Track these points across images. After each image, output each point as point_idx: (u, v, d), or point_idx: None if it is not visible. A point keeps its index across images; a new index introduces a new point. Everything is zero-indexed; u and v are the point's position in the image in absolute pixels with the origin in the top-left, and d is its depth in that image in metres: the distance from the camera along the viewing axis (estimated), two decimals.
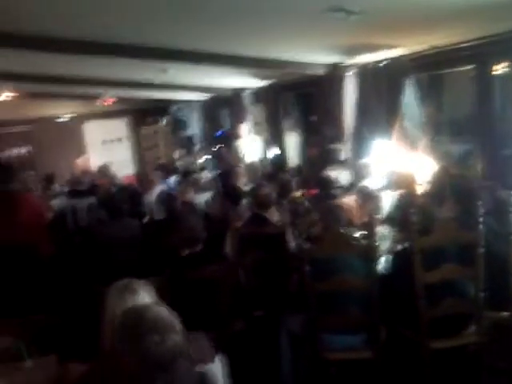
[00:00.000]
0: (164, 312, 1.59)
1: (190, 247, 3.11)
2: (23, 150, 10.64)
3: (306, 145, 7.16)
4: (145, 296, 2.00)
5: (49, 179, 8.18)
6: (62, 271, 3.97)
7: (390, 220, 3.79)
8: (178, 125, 9.94)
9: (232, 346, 2.72)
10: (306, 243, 3.01)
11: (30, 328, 2.43)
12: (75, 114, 10.87)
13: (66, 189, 7.78)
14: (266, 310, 3.44)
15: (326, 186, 4.94)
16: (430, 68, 5.31)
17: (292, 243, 3.73)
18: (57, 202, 6.79)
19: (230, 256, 3.55)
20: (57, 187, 8.05)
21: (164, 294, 2.05)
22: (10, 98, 8.84)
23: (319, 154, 6.37)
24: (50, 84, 7.62)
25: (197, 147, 9.66)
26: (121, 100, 10.19)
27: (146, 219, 5.14)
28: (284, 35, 4.34)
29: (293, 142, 7.27)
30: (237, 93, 7.80)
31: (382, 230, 3.56)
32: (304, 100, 7.18)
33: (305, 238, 3.29)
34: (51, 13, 3.81)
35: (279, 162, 6.99)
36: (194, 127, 10.04)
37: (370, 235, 2.84)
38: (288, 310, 3.32)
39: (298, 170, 6.62)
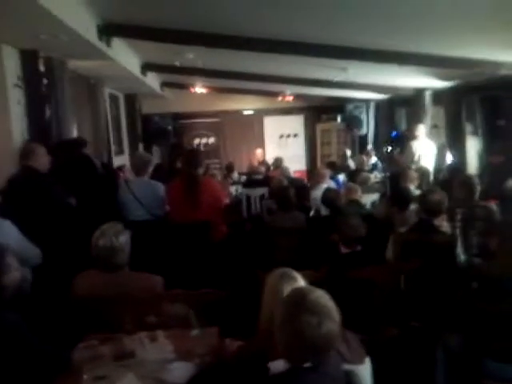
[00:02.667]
0: (326, 298, 1.64)
1: (348, 246, 3.12)
2: (210, 140, 11.71)
3: (489, 151, 6.55)
4: (302, 285, 2.09)
5: (229, 168, 8.92)
6: (232, 253, 4.31)
7: None
8: (353, 123, 9.90)
9: (383, 352, 2.67)
10: (477, 258, 2.80)
11: (201, 300, 2.69)
12: (257, 109, 11.58)
13: (244, 178, 8.41)
14: (424, 322, 3.29)
15: (509, 197, 4.48)
16: None
17: (461, 256, 3.48)
18: (234, 189, 7.38)
19: (390, 260, 3.47)
20: (235, 175, 8.72)
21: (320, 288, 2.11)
22: (202, 92, 9.83)
23: (504, 161, 5.77)
24: (237, 80, 8.23)
25: (369, 147, 9.51)
26: (299, 97, 10.55)
27: (311, 213, 5.28)
28: (475, 30, 4.02)
29: (473, 147, 6.71)
30: (417, 93, 7.46)
31: None
32: (490, 103, 6.55)
33: (476, 252, 3.06)
34: (246, 16, 4.16)
35: (457, 168, 6.52)
36: (368, 126, 9.90)
37: None
38: (448, 326, 3.12)
39: (480, 177, 6.09)
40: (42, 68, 4.59)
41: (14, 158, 4.02)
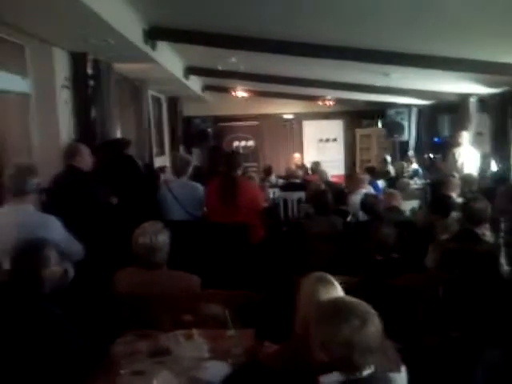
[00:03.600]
0: (367, 305, 1.68)
1: (382, 253, 3.08)
2: (249, 143, 11.78)
3: None
4: (338, 290, 2.08)
5: (267, 171, 8.94)
6: (269, 255, 4.32)
7: None
8: (394, 129, 9.74)
9: (420, 361, 2.62)
10: None
11: (236, 301, 2.71)
12: (297, 113, 11.56)
13: (282, 181, 8.41)
14: (464, 333, 3.20)
15: None
16: None
17: (505, 267, 3.38)
18: (271, 193, 7.39)
19: (430, 269, 3.40)
20: (273, 179, 8.74)
21: (354, 294, 2.10)
22: (242, 96, 9.91)
23: None
24: (277, 84, 8.27)
25: (410, 153, 9.34)
26: (339, 101, 10.47)
27: (349, 218, 5.23)
28: None
29: None
30: (462, 99, 7.28)
31: None
32: None
33: None
34: (287, 21, 4.19)
35: (501, 176, 6.32)
36: (410, 132, 9.71)
37: None
38: (489, 339, 3.03)
39: None
40: (89, 70, 4.74)
41: (62, 156, 4.17)
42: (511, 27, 3.70)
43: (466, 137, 6.77)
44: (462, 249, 3.39)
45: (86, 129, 4.71)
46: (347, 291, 2.12)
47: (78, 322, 2.23)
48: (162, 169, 5.89)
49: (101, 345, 2.26)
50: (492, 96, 6.69)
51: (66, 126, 4.54)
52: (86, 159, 3.76)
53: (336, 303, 1.73)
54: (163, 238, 2.72)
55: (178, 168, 4.60)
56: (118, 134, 5.48)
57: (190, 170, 4.64)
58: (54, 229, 2.84)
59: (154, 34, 4.75)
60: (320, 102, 10.58)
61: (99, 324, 2.64)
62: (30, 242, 2.33)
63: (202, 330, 2.39)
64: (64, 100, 4.53)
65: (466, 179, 5.60)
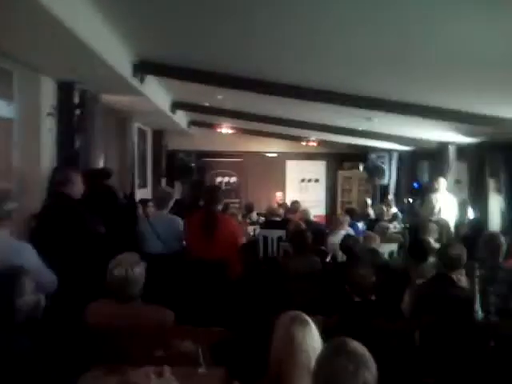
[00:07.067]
0: (364, 348, 1.63)
1: (359, 295, 3.08)
2: (232, 179, 11.83)
3: None
4: (314, 331, 2.07)
5: (248, 208, 8.96)
6: (246, 292, 4.28)
7: None
8: (375, 172, 9.92)
9: None
10: (495, 316, 2.73)
11: (210, 338, 2.67)
12: (281, 152, 11.71)
13: (262, 219, 8.42)
14: (439, 380, 3.18)
15: None
16: None
17: (479, 313, 3.40)
18: (252, 229, 7.38)
19: (405, 313, 3.40)
20: (254, 216, 8.75)
21: (330, 335, 2.08)
22: (227, 132, 10.04)
23: None
24: (262, 123, 8.40)
25: (390, 196, 9.49)
26: (322, 143, 10.67)
27: (328, 259, 5.24)
28: (501, 88, 4.06)
29: (496, 204, 6.63)
30: (441, 146, 7.48)
31: None
32: None
33: (495, 310, 2.99)
34: (273, 62, 4.30)
35: (479, 224, 6.44)
36: (390, 176, 9.90)
37: None
38: None
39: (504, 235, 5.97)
40: (76, 99, 4.77)
41: (42, 183, 4.13)
42: (491, 80, 3.85)
43: (443, 183, 6.91)
44: (437, 293, 3.41)
45: (69, 157, 4.68)
46: (323, 332, 2.11)
47: (48, 354, 2.17)
48: (145, 202, 5.87)
49: (68, 379, 2.18)
50: (470, 145, 6.89)
51: (48, 153, 4.52)
52: (78, 187, 3.69)
53: (335, 345, 1.67)
54: (139, 270, 2.68)
55: (159, 201, 4.60)
56: (101, 164, 5.46)
57: (172, 203, 4.64)
58: (28, 257, 2.78)
59: (143, 68, 4.82)
60: (304, 143, 10.76)
61: (69, 356, 2.56)
62: (6, 270, 2.28)
63: (174, 367, 2.34)
64: (48, 127, 4.53)
65: (443, 225, 5.69)
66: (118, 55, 4.19)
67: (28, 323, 2.24)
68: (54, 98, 4.61)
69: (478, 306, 3.39)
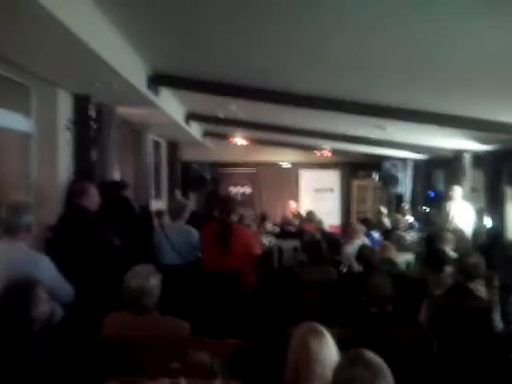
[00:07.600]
0: (381, 360, 1.64)
1: (376, 305, 3.05)
2: (246, 190, 11.85)
3: None
4: (330, 342, 2.05)
5: (263, 218, 8.96)
6: (261, 303, 4.26)
7: None
8: (389, 181, 9.86)
9: None
10: None
11: (226, 350, 2.66)
12: (294, 162, 11.70)
13: (277, 229, 8.41)
14: None
15: None
16: None
17: (498, 323, 3.34)
18: (267, 240, 7.37)
19: (423, 324, 3.36)
20: (269, 226, 8.74)
21: (347, 347, 2.06)
22: (242, 143, 10.08)
23: None
24: (276, 133, 8.42)
25: (405, 205, 9.40)
26: (336, 152, 10.64)
27: (344, 269, 5.20)
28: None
29: None
30: (457, 155, 7.41)
31: None
32: None
33: None
34: (287, 73, 4.32)
35: (495, 233, 6.35)
36: (405, 185, 9.83)
37: None
38: None
39: None
40: (92, 113, 4.84)
41: (58, 195, 4.18)
42: (508, 87, 3.82)
43: (458, 191, 6.83)
44: (455, 304, 3.36)
45: (86, 170, 4.75)
46: (340, 343, 2.09)
47: (63, 365, 2.18)
48: (160, 213, 5.90)
49: None
50: (486, 153, 6.82)
51: (65, 166, 4.59)
52: (94, 199, 3.70)
53: (352, 355, 1.68)
54: (154, 281, 2.69)
55: (175, 212, 4.61)
56: (117, 176, 5.52)
57: (187, 214, 4.65)
58: (44, 269, 2.81)
59: (158, 80, 4.88)
60: (317, 152, 10.75)
61: (84, 367, 2.57)
62: (22, 281, 2.31)
63: (189, 378, 2.33)
64: (65, 141, 4.59)
65: (460, 234, 5.62)
66: (132, 68, 4.25)
67: (43, 333, 2.26)
68: (70, 112, 4.68)
69: (497, 317, 3.33)
